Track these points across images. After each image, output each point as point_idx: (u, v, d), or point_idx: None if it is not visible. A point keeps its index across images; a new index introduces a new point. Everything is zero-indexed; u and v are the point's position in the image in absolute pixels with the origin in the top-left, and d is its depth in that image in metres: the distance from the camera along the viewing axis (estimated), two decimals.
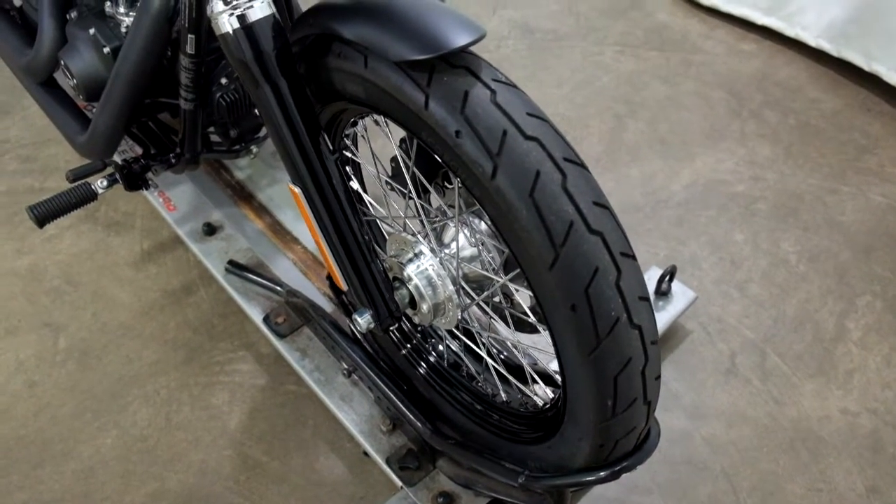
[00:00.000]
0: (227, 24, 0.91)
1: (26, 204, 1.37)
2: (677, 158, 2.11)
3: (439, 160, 0.93)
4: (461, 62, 0.87)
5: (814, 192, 2.01)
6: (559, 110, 2.25)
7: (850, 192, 2.01)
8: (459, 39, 0.84)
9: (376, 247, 1.35)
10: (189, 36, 1.17)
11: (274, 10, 0.94)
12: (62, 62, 1.39)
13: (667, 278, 1.60)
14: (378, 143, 1.23)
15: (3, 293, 1.73)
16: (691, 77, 2.39)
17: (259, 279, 1.56)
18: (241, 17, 0.91)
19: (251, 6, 0.91)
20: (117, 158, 1.44)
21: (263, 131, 1.55)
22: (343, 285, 1.09)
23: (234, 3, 0.91)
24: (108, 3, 1.37)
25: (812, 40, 2.43)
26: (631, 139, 2.17)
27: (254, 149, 1.55)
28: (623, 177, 2.05)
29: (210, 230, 1.68)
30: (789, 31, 2.48)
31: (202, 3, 1.12)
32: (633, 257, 0.87)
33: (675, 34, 2.57)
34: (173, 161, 1.43)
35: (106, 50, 1.34)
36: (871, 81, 2.32)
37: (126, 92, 1.30)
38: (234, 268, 1.59)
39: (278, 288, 1.52)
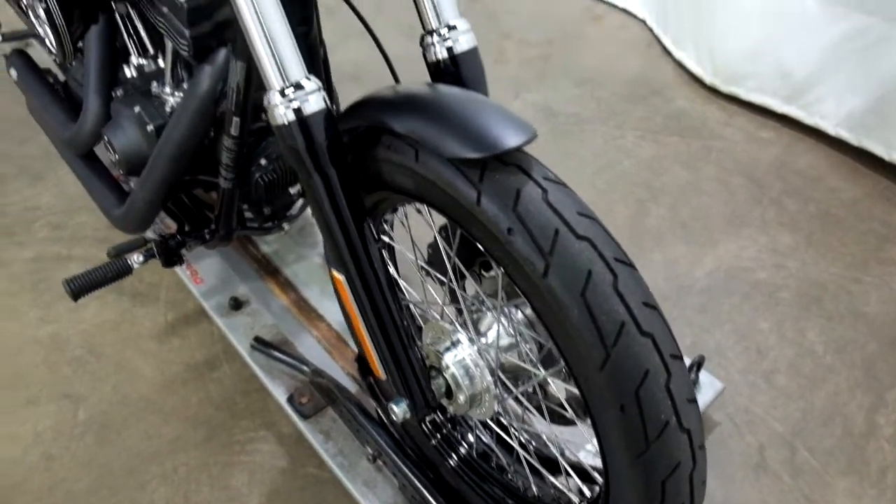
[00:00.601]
0: (283, 116, 0.93)
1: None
2: (699, 244, 2.11)
3: (483, 251, 0.93)
4: (512, 160, 0.89)
5: (836, 282, 2.01)
6: (582, 195, 2.27)
7: (873, 283, 2.01)
8: (513, 139, 0.86)
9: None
10: (234, 118, 1.19)
11: (328, 102, 0.96)
12: (105, 138, 1.42)
13: (695, 368, 1.58)
14: (414, 228, 1.23)
15: (26, 362, 1.72)
16: (711, 163, 2.42)
17: (285, 357, 1.54)
18: (298, 111, 0.92)
19: (307, 100, 0.93)
20: (152, 234, 1.45)
21: (295, 208, 1.56)
22: (381, 374, 1.08)
23: (291, 96, 0.92)
24: (155, 83, 1.40)
25: (831, 129, 2.45)
26: (653, 224, 2.18)
27: (285, 226, 1.56)
28: (647, 262, 2.05)
29: (236, 304, 1.68)
30: (808, 120, 2.51)
31: (249, 88, 1.15)
32: (681, 358, 0.87)
33: (695, 120, 2.62)
34: (207, 237, 1.44)
35: (150, 128, 1.37)
36: (891, 171, 2.33)
37: (167, 169, 1.32)
38: (260, 345, 1.58)
39: (304, 367, 1.51)
